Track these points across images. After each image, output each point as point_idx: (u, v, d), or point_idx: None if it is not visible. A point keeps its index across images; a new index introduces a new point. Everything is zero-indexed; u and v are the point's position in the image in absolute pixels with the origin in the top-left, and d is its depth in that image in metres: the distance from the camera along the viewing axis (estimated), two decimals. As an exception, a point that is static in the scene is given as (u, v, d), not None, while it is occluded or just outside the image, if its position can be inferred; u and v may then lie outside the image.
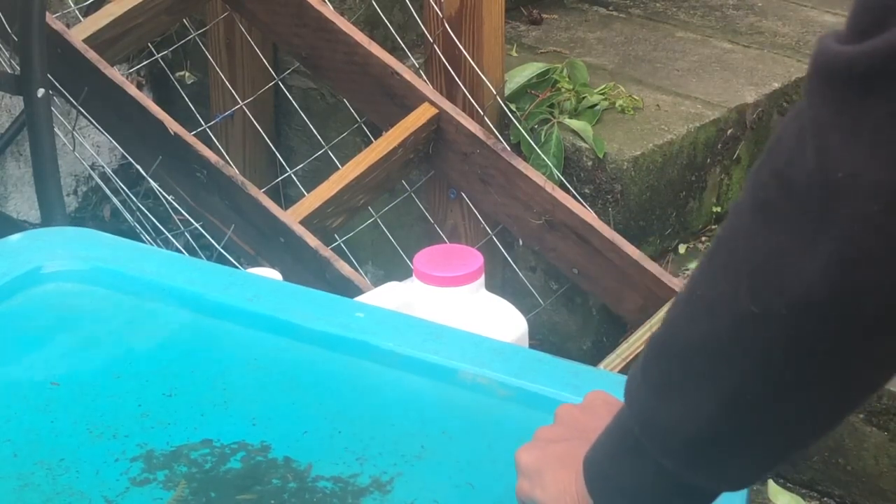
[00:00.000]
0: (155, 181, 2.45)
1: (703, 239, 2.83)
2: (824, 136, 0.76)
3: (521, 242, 2.67)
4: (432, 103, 2.54)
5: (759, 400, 0.83)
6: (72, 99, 2.45)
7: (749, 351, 0.81)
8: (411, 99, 2.55)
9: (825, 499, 2.46)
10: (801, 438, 0.86)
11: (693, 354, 0.85)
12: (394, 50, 2.70)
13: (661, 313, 2.37)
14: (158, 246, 2.59)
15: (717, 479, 0.89)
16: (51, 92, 2.31)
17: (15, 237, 1.39)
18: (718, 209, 2.86)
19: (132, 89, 2.44)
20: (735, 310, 0.81)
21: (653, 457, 0.88)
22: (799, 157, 0.77)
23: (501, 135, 2.64)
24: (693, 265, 2.74)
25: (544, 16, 3.23)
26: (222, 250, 2.43)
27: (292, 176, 2.81)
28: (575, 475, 0.95)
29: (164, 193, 2.46)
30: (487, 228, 2.65)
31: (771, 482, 2.45)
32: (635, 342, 2.32)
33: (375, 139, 2.57)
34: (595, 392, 1.05)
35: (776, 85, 2.93)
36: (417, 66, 2.73)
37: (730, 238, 0.83)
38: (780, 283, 0.78)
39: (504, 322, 1.69)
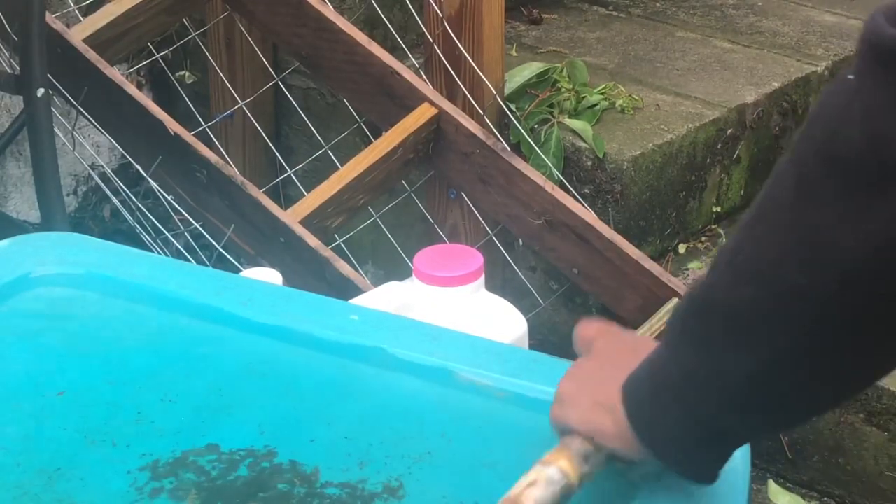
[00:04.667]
0: (155, 181, 2.45)
1: (703, 239, 2.83)
2: (875, 117, 0.77)
3: (521, 242, 2.66)
4: (432, 103, 2.53)
5: (798, 362, 0.87)
6: (72, 99, 2.45)
7: (793, 317, 0.85)
8: (411, 99, 2.55)
9: (825, 499, 2.46)
10: (832, 398, 0.93)
11: (736, 316, 0.89)
12: (394, 50, 2.69)
13: (662, 313, 2.37)
14: (158, 246, 2.59)
15: (746, 429, 0.95)
16: (51, 92, 2.31)
17: (3, 242, 1.38)
18: (718, 209, 2.86)
19: (132, 89, 2.44)
20: (782, 279, 0.85)
21: (689, 401, 0.93)
22: (845, 135, 0.79)
23: (501, 135, 2.64)
24: (693, 265, 2.74)
25: (544, 16, 3.23)
26: (222, 250, 2.43)
27: (292, 176, 2.81)
28: (609, 400, 0.99)
29: (163, 193, 2.46)
30: (487, 228, 2.65)
31: (771, 482, 2.45)
32: (635, 342, 2.32)
33: (375, 139, 2.57)
34: (607, 329, 1.09)
35: (776, 85, 2.93)
36: (417, 66, 2.73)
37: (773, 210, 0.86)
38: (828, 257, 0.82)
39: (504, 322, 1.69)
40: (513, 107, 2.70)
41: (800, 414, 0.95)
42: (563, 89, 2.75)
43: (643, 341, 1.06)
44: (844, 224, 0.80)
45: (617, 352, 1.05)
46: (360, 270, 2.48)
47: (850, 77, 0.79)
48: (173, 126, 2.40)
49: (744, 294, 0.88)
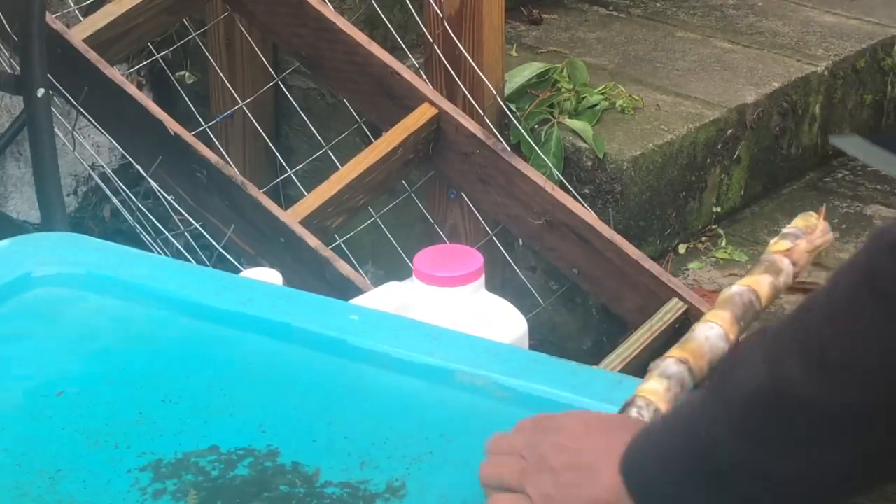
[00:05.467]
0: (155, 181, 2.45)
1: (703, 239, 2.83)
2: None
3: (521, 242, 2.67)
4: (432, 103, 2.53)
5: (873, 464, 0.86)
6: (72, 99, 2.45)
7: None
8: (411, 99, 2.55)
9: None
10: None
11: (831, 418, 0.85)
12: (394, 50, 2.69)
13: (662, 313, 2.37)
14: (158, 246, 2.59)
15: None
16: (51, 92, 2.31)
17: (3, 242, 1.37)
18: (718, 209, 2.86)
19: (132, 89, 2.44)
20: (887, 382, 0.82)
21: (748, 497, 0.89)
22: None
23: (501, 135, 2.64)
24: (693, 265, 2.74)
25: (544, 16, 3.23)
26: (222, 250, 2.43)
27: (292, 176, 2.81)
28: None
29: (163, 193, 2.46)
30: (487, 228, 2.65)
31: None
32: (635, 342, 2.32)
33: (375, 139, 2.57)
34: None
35: (776, 85, 2.93)
36: (417, 66, 2.73)
37: (860, 329, 0.83)
38: None
39: (504, 322, 1.69)
40: (513, 107, 2.70)
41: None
42: (563, 89, 2.75)
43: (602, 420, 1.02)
44: None
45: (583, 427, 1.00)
46: (360, 270, 2.48)
47: None
48: (173, 126, 2.40)
49: (847, 396, 0.84)
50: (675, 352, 1.05)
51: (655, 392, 1.01)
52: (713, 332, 1.06)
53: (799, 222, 1.16)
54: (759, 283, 1.10)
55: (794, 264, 1.12)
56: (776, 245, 1.13)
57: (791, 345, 0.87)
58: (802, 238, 1.14)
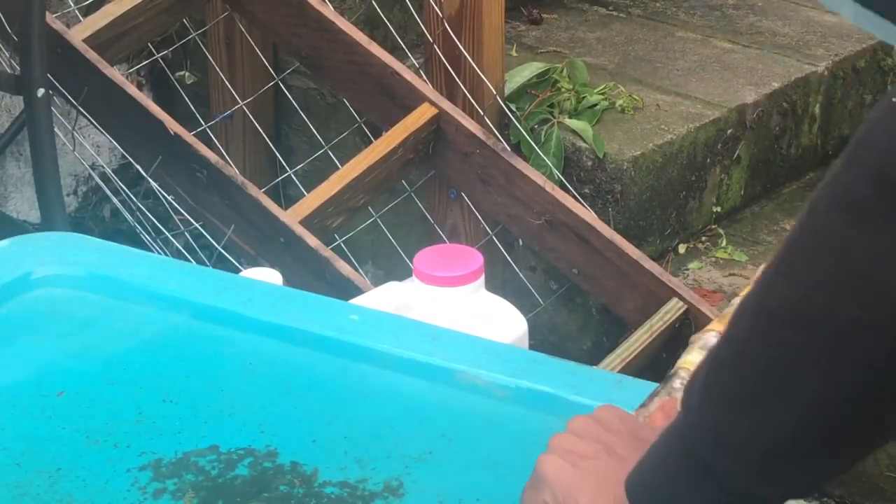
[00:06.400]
0: (155, 181, 2.45)
1: (703, 239, 2.83)
2: None
3: (521, 242, 2.67)
4: (432, 103, 2.54)
5: (851, 407, 0.82)
6: (72, 99, 2.45)
7: (846, 359, 0.80)
8: (411, 99, 2.55)
9: (825, 499, 2.46)
10: (874, 441, 0.86)
11: (774, 366, 0.83)
12: (394, 50, 2.69)
13: (662, 313, 2.37)
14: (158, 246, 2.59)
15: (787, 490, 0.88)
16: (51, 92, 2.31)
17: (3, 242, 1.37)
18: (718, 209, 2.86)
19: (132, 89, 2.44)
20: (834, 319, 0.79)
21: (719, 473, 0.87)
22: None
23: (501, 135, 2.64)
24: (693, 265, 2.74)
25: (544, 16, 3.23)
26: (222, 250, 2.43)
27: (292, 176, 2.81)
28: (613, 499, 0.93)
29: (164, 193, 2.46)
30: (487, 228, 2.65)
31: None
32: (635, 342, 2.32)
33: (375, 139, 2.57)
34: (606, 407, 1.04)
35: (776, 85, 2.93)
36: (417, 66, 2.73)
37: (816, 246, 0.81)
38: (887, 289, 0.77)
39: (504, 322, 1.69)
40: (513, 107, 2.70)
41: (841, 464, 0.87)
42: (563, 89, 2.75)
43: (621, 420, 1.00)
44: None
45: (603, 433, 0.98)
46: (360, 270, 2.48)
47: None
48: (173, 126, 2.40)
49: (788, 340, 0.81)
50: (715, 325, 1.07)
51: (697, 364, 1.03)
52: None
53: None
54: None
55: None
56: None
57: (741, 307, 0.87)
58: None
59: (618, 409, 1.03)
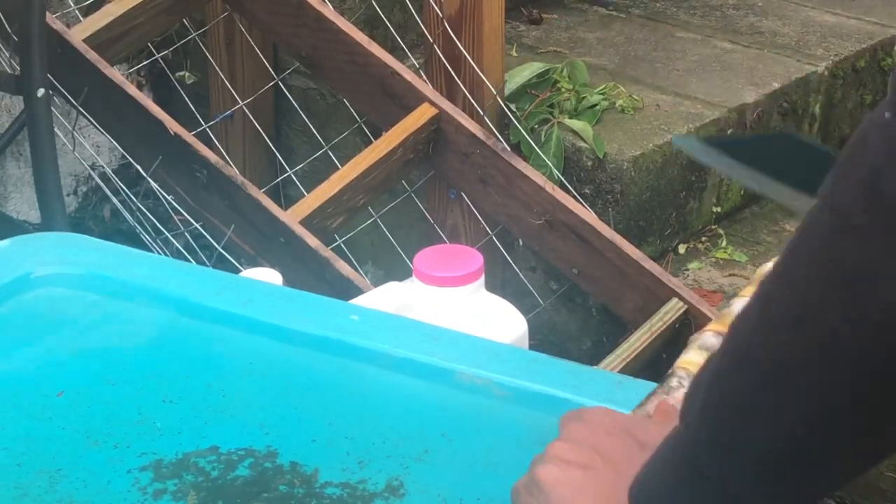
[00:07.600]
0: (155, 181, 2.45)
1: (703, 239, 2.83)
2: None
3: (521, 242, 2.67)
4: (432, 103, 2.54)
5: (851, 407, 0.82)
6: (72, 99, 2.45)
7: (836, 369, 0.80)
8: (411, 99, 2.55)
9: (825, 499, 2.45)
10: (887, 447, 0.86)
11: (775, 368, 0.83)
12: (394, 50, 2.70)
13: (662, 313, 2.37)
14: (158, 246, 2.59)
15: (788, 500, 0.88)
16: (51, 92, 2.31)
17: (3, 242, 1.37)
18: (718, 209, 2.86)
19: (132, 89, 2.44)
20: (828, 321, 0.80)
21: (720, 483, 0.87)
22: (890, 171, 0.77)
23: (501, 135, 2.64)
24: (693, 265, 2.74)
25: (544, 16, 3.23)
26: (222, 250, 2.43)
27: (292, 176, 2.81)
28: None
29: (164, 193, 2.46)
30: (487, 228, 2.65)
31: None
32: (635, 342, 2.32)
33: (375, 139, 2.57)
34: (596, 410, 1.04)
35: (776, 85, 2.93)
36: (417, 66, 2.73)
37: (809, 251, 0.82)
38: (875, 293, 0.77)
39: (504, 322, 1.69)
40: (513, 107, 2.70)
41: (844, 474, 0.88)
42: (563, 89, 2.75)
43: (614, 423, 1.00)
44: (889, 259, 0.78)
45: (600, 440, 0.98)
46: (360, 270, 2.48)
47: (888, 115, 0.78)
48: (173, 126, 2.40)
49: (788, 342, 0.82)
50: (713, 325, 1.08)
51: (695, 363, 1.04)
52: None
53: None
54: None
55: None
56: None
57: (741, 316, 0.87)
58: None
59: (609, 410, 1.03)
